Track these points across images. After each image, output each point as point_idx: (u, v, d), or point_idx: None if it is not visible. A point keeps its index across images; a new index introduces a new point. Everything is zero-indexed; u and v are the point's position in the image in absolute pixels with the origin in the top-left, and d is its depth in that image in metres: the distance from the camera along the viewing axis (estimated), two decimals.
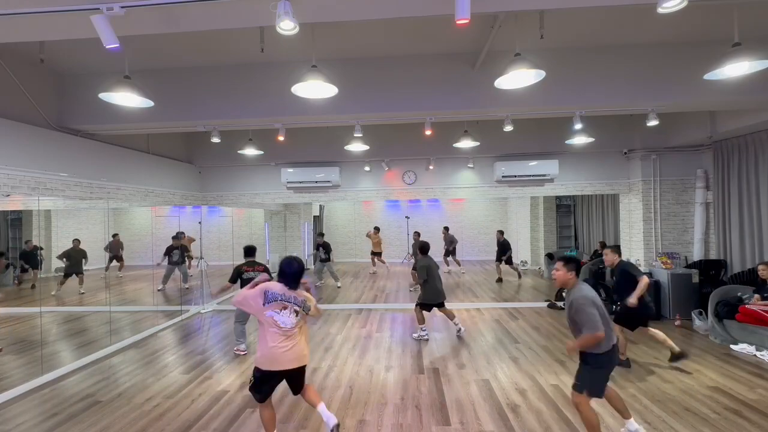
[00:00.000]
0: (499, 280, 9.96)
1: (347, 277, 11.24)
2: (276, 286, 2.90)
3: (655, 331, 4.43)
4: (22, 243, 6.42)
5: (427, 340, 5.57)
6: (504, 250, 9.95)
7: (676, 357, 4.46)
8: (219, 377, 4.46)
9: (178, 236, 8.24)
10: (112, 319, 5.92)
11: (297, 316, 2.90)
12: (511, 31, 4.05)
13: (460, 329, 5.76)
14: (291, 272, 2.95)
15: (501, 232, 10.23)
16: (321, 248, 9.77)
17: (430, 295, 5.58)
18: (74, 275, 7.09)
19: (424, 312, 5.66)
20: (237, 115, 5.03)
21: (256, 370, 2.91)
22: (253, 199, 8.64)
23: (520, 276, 10.22)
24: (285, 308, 2.87)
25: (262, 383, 2.91)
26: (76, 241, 7.09)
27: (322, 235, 10.23)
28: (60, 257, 6.93)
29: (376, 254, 11.80)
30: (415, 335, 5.67)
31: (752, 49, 3.18)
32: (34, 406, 3.85)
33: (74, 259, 7.04)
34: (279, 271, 2.98)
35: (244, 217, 10.88)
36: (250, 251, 5.24)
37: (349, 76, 4.79)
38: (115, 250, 8.14)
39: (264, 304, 2.82)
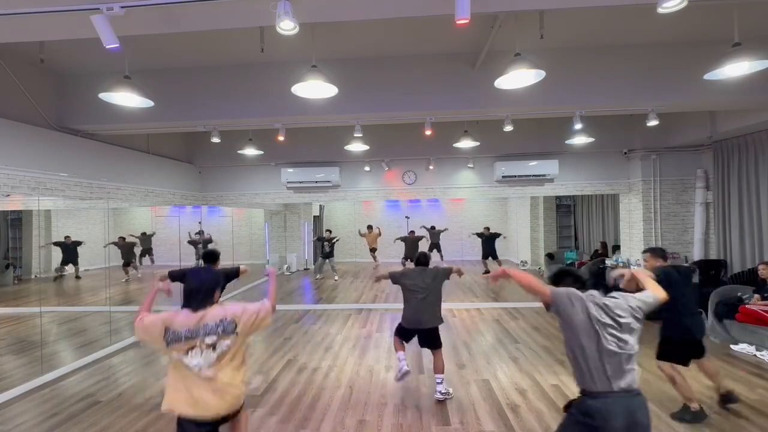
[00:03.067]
0: (486, 272, 10.66)
1: (347, 277, 11.24)
2: (179, 318, 2.09)
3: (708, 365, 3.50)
4: (20, 241, 6.55)
5: (406, 372, 3.84)
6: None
7: (726, 399, 3.48)
8: None
9: (200, 233, 8.61)
10: (112, 319, 5.91)
11: (215, 350, 2.05)
12: (511, 31, 4.04)
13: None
14: (195, 287, 2.12)
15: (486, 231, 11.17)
16: (326, 243, 10.34)
17: (404, 318, 4.06)
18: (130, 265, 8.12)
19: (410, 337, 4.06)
20: (237, 115, 5.03)
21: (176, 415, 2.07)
22: (253, 199, 8.65)
23: (487, 272, 10.62)
24: (192, 348, 2.04)
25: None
26: (121, 239, 8.01)
27: (329, 231, 11.25)
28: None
29: (372, 250, 11.93)
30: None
31: (752, 49, 3.18)
32: (34, 406, 3.85)
33: (124, 251, 8.01)
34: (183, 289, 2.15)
35: (244, 217, 10.87)
36: (209, 257, 3.90)
37: (349, 76, 4.79)
38: (146, 244, 8.66)
39: (167, 346, 2.06)
